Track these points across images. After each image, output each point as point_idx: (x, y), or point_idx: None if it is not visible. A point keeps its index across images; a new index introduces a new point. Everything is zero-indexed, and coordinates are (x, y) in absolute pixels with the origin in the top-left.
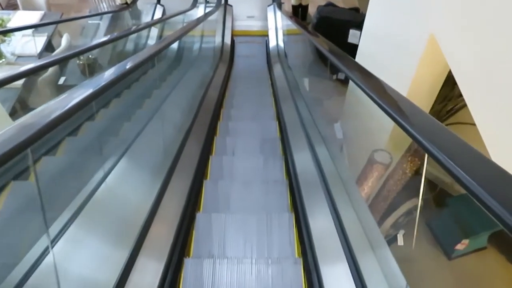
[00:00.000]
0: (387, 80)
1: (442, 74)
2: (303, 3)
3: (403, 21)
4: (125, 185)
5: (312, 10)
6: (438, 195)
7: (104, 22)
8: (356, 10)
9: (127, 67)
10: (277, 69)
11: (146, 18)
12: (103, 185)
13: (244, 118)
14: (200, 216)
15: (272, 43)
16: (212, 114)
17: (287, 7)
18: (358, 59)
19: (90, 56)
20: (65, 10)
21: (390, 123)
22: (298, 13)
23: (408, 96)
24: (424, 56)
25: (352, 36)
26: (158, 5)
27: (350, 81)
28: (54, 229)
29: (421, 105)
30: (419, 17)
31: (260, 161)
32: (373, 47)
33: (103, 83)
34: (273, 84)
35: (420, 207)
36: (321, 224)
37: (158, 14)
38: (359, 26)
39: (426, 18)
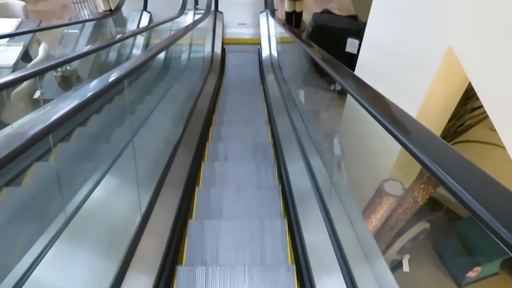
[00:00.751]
0: (394, 97)
1: (460, 89)
2: (297, 10)
3: (414, 31)
4: (116, 193)
5: (306, 17)
6: (444, 215)
7: (86, 31)
8: (354, 17)
9: (109, 80)
10: (271, 80)
11: (131, 26)
12: (93, 194)
13: (237, 123)
14: (192, 223)
15: (265, 52)
16: (203, 123)
17: (280, 14)
18: (358, 71)
19: (68, 67)
20: (46, 17)
21: (398, 144)
22: (292, 20)
23: (420, 114)
24: (441, 70)
25: (350, 45)
26: (144, 12)
27: (348, 95)
28: (39, 243)
29: (434, 124)
30: (434, 27)
31: (253, 167)
32: (376, 59)
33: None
34: (266, 97)
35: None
36: (313, 229)
37: (144, 22)
38: (357, 34)
39: (443, 29)
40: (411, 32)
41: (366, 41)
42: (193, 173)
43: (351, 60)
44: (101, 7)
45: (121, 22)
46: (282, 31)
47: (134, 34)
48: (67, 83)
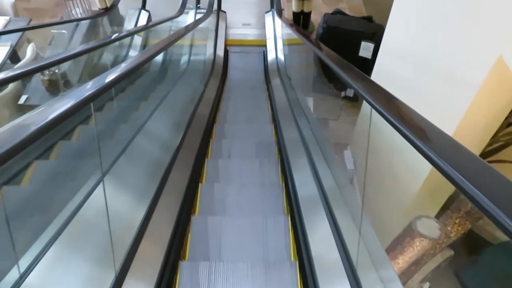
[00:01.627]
0: (424, 112)
1: (508, 103)
2: (305, 10)
3: (449, 38)
4: (121, 188)
5: (314, 18)
6: (467, 238)
7: (79, 30)
8: (368, 19)
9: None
10: (277, 85)
11: (129, 25)
12: (100, 187)
13: (239, 122)
14: (195, 219)
15: (270, 55)
16: (202, 135)
17: (287, 14)
18: (374, 79)
19: (56, 71)
20: (39, 15)
21: (427, 165)
22: (300, 21)
23: (457, 133)
24: (487, 82)
25: (364, 49)
26: (143, 11)
27: (364, 105)
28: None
29: (472, 144)
30: (479, 35)
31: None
32: (397, 67)
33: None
34: (272, 104)
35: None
36: (317, 226)
37: (142, 21)
38: (372, 37)
39: (491, 36)
40: (445, 39)
41: (384, 46)
42: (194, 176)
43: (364, 65)
44: (97, 5)
45: (118, 21)
46: (289, 33)
47: (130, 34)
48: (55, 87)
